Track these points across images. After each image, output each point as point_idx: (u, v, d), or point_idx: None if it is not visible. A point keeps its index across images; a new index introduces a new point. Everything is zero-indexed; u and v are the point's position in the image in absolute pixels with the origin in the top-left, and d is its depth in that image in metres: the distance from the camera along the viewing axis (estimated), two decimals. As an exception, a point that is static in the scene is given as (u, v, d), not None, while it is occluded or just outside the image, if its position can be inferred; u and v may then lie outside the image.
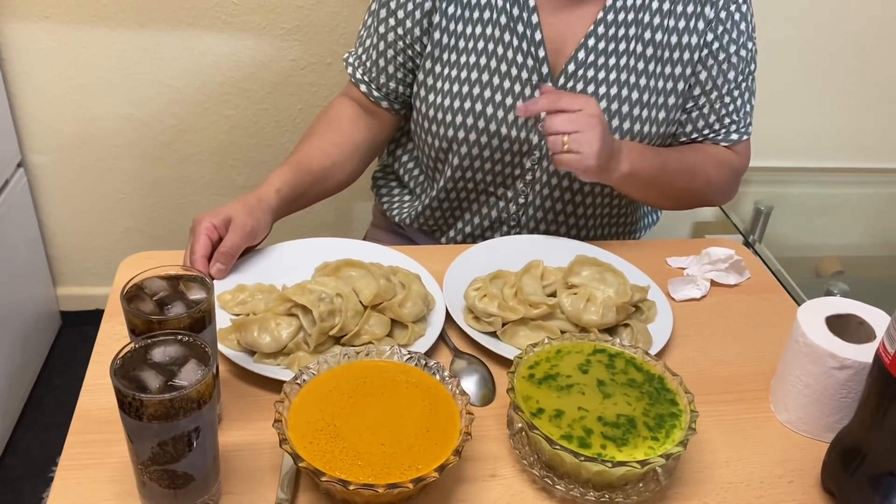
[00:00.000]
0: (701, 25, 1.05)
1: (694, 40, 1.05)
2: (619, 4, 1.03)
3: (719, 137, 1.11)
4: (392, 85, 1.11)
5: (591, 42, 1.04)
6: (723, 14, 1.05)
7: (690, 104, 1.09)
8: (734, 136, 1.11)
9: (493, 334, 0.89)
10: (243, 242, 0.93)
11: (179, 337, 0.64)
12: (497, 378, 0.85)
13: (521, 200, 1.11)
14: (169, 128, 1.79)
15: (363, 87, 1.12)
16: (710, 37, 1.05)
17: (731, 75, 1.07)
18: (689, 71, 1.06)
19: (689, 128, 1.11)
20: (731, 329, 0.96)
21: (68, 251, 1.95)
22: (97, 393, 0.80)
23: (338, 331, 0.83)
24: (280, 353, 0.83)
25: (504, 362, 0.87)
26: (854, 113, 1.99)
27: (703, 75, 1.07)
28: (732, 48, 1.06)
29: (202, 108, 1.78)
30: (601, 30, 1.03)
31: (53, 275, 1.97)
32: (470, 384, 0.83)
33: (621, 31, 1.04)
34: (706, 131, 1.10)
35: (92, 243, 1.94)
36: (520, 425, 0.76)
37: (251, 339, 0.82)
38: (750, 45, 1.08)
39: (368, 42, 1.10)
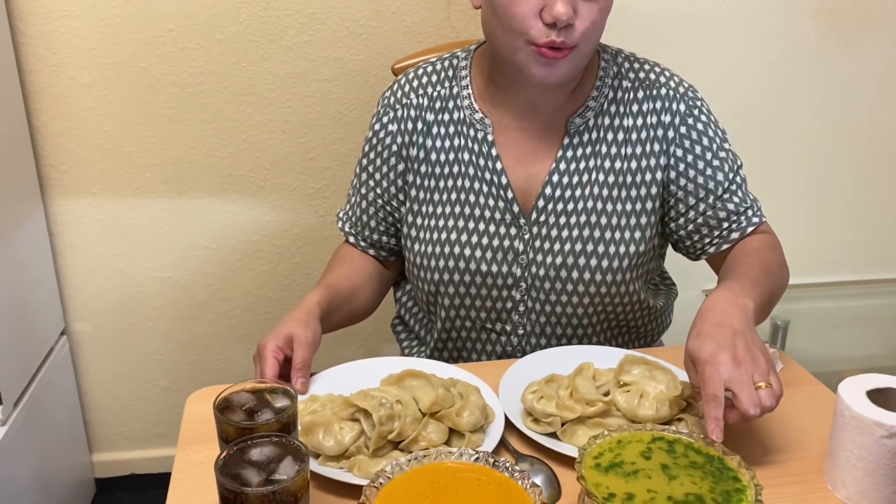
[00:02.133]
0: (657, 147, 1.11)
1: (653, 162, 1.11)
2: (575, 141, 1.11)
3: (744, 225, 1.13)
4: (376, 237, 1.23)
5: (555, 178, 1.11)
6: (683, 129, 1.11)
7: (692, 213, 1.13)
8: (755, 220, 1.14)
9: (553, 435, 0.92)
10: (311, 354, 1.01)
11: (274, 438, 0.69)
12: (561, 477, 0.88)
13: (521, 332, 1.17)
14: (205, 287, 1.89)
15: (351, 240, 1.25)
16: (679, 153, 1.11)
17: (720, 177, 1.12)
18: (655, 190, 1.12)
19: (706, 231, 1.14)
20: (776, 418, 1.00)
21: (105, 416, 1.98)
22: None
23: (396, 435, 0.87)
24: (342, 457, 0.87)
25: (566, 461, 0.90)
26: (859, 227, 2.09)
27: (689, 187, 1.12)
28: (709, 155, 1.11)
29: (236, 266, 1.88)
30: (563, 166, 1.11)
31: (90, 441, 1.99)
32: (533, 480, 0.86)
33: (581, 165, 1.11)
34: (727, 226, 1.13)
35: (128, 406, 1.98)
36: (591, 516, 0.79)
37: (316, 441, 0.87)
38: (726, 146, 1.13)
39: (353, 200, 1.25)
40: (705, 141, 1.12)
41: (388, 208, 1.21)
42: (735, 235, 1.14)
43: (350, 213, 1.25)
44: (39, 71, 1.67)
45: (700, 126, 1.12)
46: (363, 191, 1.22)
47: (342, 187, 1.84)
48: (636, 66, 1.15)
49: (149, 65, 1.69)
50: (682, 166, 1.12)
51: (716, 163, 1.12)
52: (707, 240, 1.16)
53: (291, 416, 0.73)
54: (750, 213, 1.15)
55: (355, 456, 0.87)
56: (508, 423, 0.95)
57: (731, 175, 1.14)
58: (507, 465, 0.81)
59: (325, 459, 0.87)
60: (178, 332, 1.92)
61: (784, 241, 2.05)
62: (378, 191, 1.20)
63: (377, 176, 1.19)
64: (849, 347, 2.11)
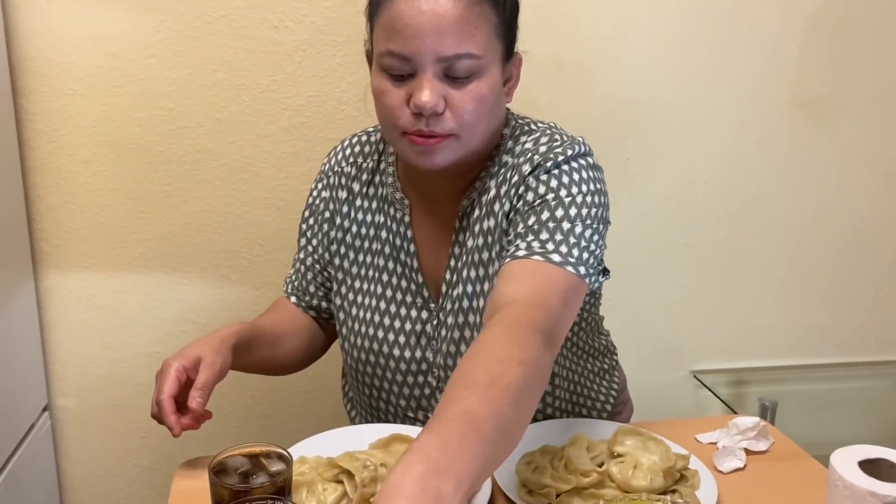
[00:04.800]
0: (507, 206, 1.03)
1: (505, 223, 1.04)
2: (464, 224, 1.09)
3: (505, 254, 0.97)
4: (315, 302, 1.25)
5: (452, 263, 1.10)
6: (522, 189, 1.01)
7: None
8: (521, 253, 0.94)
9: (547, 507, 0.92)
10: (216, 379, 1.02)
11: (269, 501, 0.68)
12: (556, 549, 0.87)
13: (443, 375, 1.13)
14: (192, 363, 1.87)
15: (294, 300, 1.27)
16: (516, 200, 1.02)
17: (545, 216, 0.97)
18: (499, 231, 1.04)
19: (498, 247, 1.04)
20: (770, 492, 1.00)
21: (83, 496, 1.92)
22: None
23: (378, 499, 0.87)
24: None
25: (560, 533, 0.89)
26: (840, 309, 2.12)
27: (519, 226, 0.99)
28: (551, 196, 0.98)
29: (225, 343, 1.87)
30: (456, 250, 1.09)
31: (67, 525, 1.93)
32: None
33: (470, 243, 1.07)
34: (509, 245, 0.99)
35: (107, 485, 1.93)
36: (588, 587, 0.78)
37: (299, 502, 0.86)
38: (572, 211, 0.97)
39: (296, 265, 1.27)
40: (542, 189, 0.99)
41: (325, 274, 1.23)
42: (507, 258, 0.96)
43: (294, 276, 1.28)
44: (39, 147, 1.70)
45: (544, 177, 0.99)
46: (302, 255, 1.25)
47: (333, 264, 1.86)
48: (523, 138, 1.06)
49: (147, 142, 1.73)
50: (513, 215, 1.02)
51: (550, 200, 0.98)
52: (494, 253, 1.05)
53: (286, 479, 0.73)
54: (522, 244, 0.96)
55: None
56: (502, 496, 0.94)
57: (559, 215, 0.97)
58: (503, 533, 0.80)
59: None
60: (162, 408, 1.89)
61: (767, 322, 2.10)
62: (315, 256, 1.22)
63: (314, 241, 1.22)
64: (836, 429, 2.11)
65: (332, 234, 1.19)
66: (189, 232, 1.79)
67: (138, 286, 1.81)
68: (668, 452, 0.94)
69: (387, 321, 1.13)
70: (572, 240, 0.95)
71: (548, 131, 1.06)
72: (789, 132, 1.97)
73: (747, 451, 1.08)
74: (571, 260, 0.93)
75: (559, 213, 0.97)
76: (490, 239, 1.05)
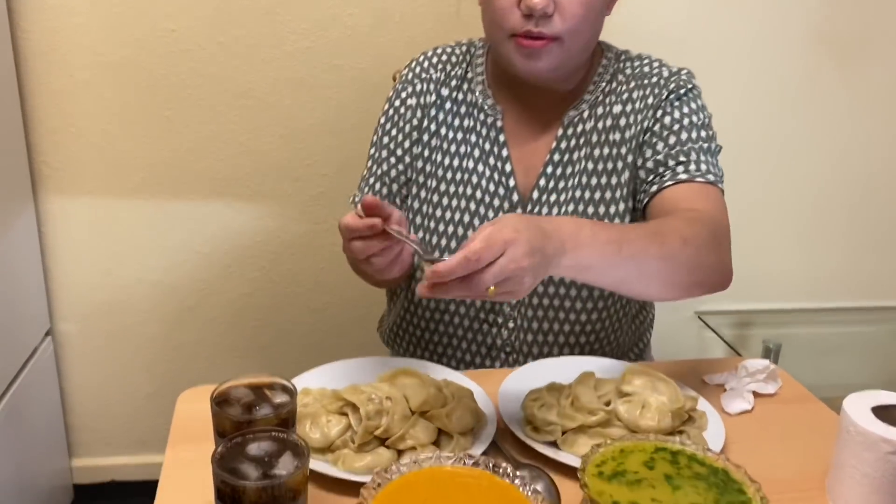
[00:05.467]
0: (637, 129, 1.11)
1: (634, 144, 1.11)
2: (569, 132, 1.13)
3: (665, 178, 1.07)
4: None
5: (549, 169, 1.13)
6: (659, 112, 1.11)
7: (647, 162, 1.10)
8: (682, 176, 1.06)
9: (553, 444, 0.91)
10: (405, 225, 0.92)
11: (273, 433, 0.67)
12: (559, 486, 0.86)
13: (511, 325, 1.16)
14: (194, 292, 1.86)
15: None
16: (652, 125, 1.10)
17: (684, 136, 1.09)
18: (631, 158, 1.11)
19: (646, 176, 1.10)
20: (777, 435, 0.99)
21: (87, 420, 1.94)
22: (170, 511, 0.80)
23: (383, 432, 0.86)
24: (327, 450, 0.86)
25: (565, 471, 0.88)
26: (853, 253, 2.10)
27: (659, 146, 1.09)
28: (676, 126, 1.09)
29: (227, 272, 1.86)
30: (556, 157, 1.13)
31: (70, 446, 1.95)
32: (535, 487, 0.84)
33: (575, 154, 1.13)
34: (650, 177, 1.09)
35: (111, 411, 1.94)
36: (592, 525, 0.77)
37: (303, 433, 0.86)
38: (702, 132, 1.10)
39: (371, 179, 1.21)
40: (676, 114, 1.11)
41: (405, 183, 1.19)
42: (668, 181, 1.07)
43: (367, 189, 1.21)
44: (38, 67, 1.65)
45: (677, 104, 1.12)
46: (380, 171, 1.19)
47: (339, 195, 1.83)
48: (636, 62, 1.17)
49: (149, 64, 1.68)
50: (647, 134, 1.11)
51: (686, 123, 1.10)
52: (645, 185, 1.10)
53: (290, 412, 0.72)
54: (681, 168, 1.07)
55: (340, 450, 0.86)
56: (506, 431, 0.93)
57: (695, 135, 1.09)
58: (508, 471, 0.79)
59: (310, 451, 0.86)
60: (165, 336, 1.89)
61: (779, 265, 2.07)
62: (400, 167, 1.18)
63: (398, 152, 1.18)
64: (839, 374, 2.10)
65: (420, 138, 1.17)
66: (191, 159, 1.76)
67: (140, 213, 1.78)
68: (677, 393, 0.92)
69: (476, 222, 1.13)
70: (713, 160, 1.10)
71: (655, 59, 1.17)
72: (810, 70, 1.91)
73: (755, 394, 1.06)
74: (719, 181, 1.09)
75: (703, 134, 1.10)
76: (607, 151, 1.12)
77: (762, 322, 2.13)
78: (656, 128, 1.11)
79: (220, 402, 0.72)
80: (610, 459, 0.81)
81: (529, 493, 0.76)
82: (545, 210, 1.14)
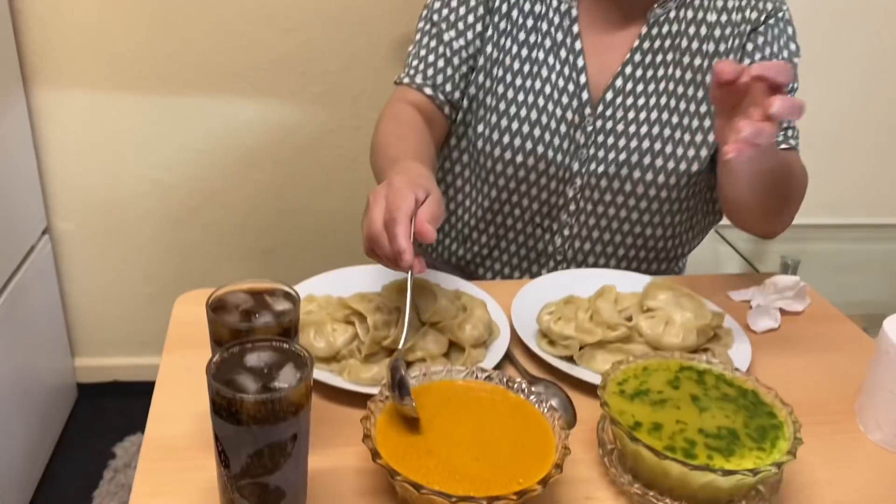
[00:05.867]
0: (735, 43, 1.04)
1: (731, 59, 1.04)
2: (654, 32, 1.04)
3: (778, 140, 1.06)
4: (454, 94, 1.09)
5: (629, 70, 1.05)
6: (762, 28, 1.05)
7: None
8: (792, 142, 1.07)
9: (569, 359, 0.86)
10: (440, 221, 0.78)
11: (274, 342, 0.62)
12: (576, 402, 0.82)
13: (567, 232, 1.10)
14: (195, 192, 1.80)
15: (428, 91, 1.08)
16: (750, 47, 1.04)
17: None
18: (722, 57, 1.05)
19: None
20: (806, 355, 0.94)
21: (88, 320, 1.91)
22: (164, 422, 0.76)
23: (391, 342, 0.81)
24: (332, 360, 0.82)
25: (581, 387, 0.84)
26: (875, 169, 2.02)
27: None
28: (785, 53, 1.05)
29: (229, 173, 1.79)
30: (637, 57, 1.05)
31: (72, 345, 1.93)
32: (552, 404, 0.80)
33: (658, 58, 1.05)
34: None
35: (112, 311, 1.91)
36: (611, 447, 0.73)
37: (307, 342, 0.81)
38: (795, 60, 1.07)
39: (432, 55, 1.08)
40: (776, 46, 1.05)
41: (467, 56, 1.07)
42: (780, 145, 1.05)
43: (422, 65, 1.09)
44: (23, -55, 1.54)
45: (778, 29, 1.05)
46: (441, 46, 1.08)
47: (344, 93, 1.74)
48: None
49: (142, -53, 1.56)
50: (749, 63, 1.04)
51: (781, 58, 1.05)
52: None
53: (293, 320, 0.66)
54: (789, 132, 1.08)
55: (346, 360, 0.82)
56: (520, 345, 0.88)
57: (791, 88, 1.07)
58: (523, 386, 0.74)
59: (315, 361, 0.81)
60: (166, 237, 1.84)
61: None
62: (462, 42, 1.07)
63: (461, 26, 1.07)
64: (858, 292, 2.06)
65: (487, 17, 1.07)
66: (190, 51, 1.66)
67: (137, 108, 1.70)
68: (703, 309, 0.87)
69: (544, 119, 1.05)
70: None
71: None
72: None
73: (782, 312, 1.01)
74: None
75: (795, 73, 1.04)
76: (699, 62, 1.05)
77: (781, 237, 2.06)
78: (757, 57, 1.03)
79: (217, 308, 0.67)
80: (632, 377, 0.76)
81: (545, 410, 0.72)
82: (618, 114, 1.05)
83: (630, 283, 0.96)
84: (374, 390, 0.72)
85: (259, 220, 1.85)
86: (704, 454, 0.67)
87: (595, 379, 0.82)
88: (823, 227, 2.08)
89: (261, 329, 0.64)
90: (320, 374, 0.80)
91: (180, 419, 0.75)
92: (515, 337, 0.89)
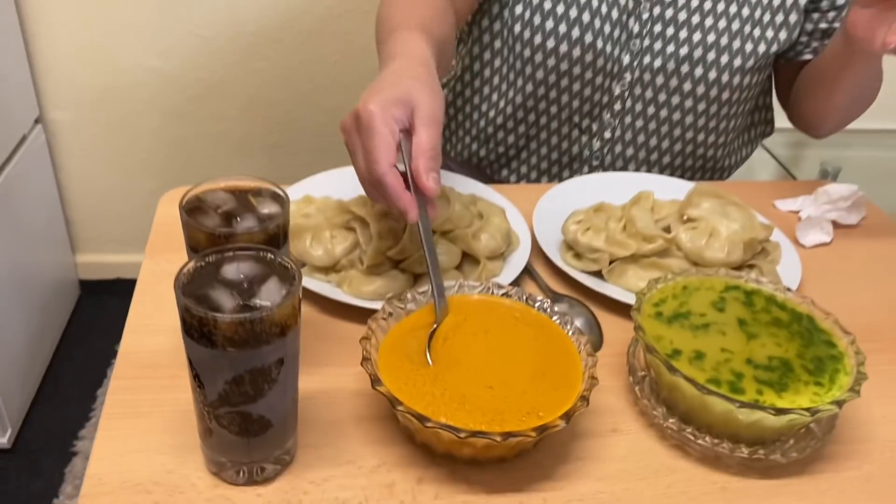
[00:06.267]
0: None
1: None
2: None
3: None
4: None
5: None
6: None
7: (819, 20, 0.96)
8: None
9: (597, 274, 0.77)
10: (440, 134, 0.63)
11: (258, 252, 0.53)
12: (603, 323, 0.73)
13: (608, 135, 0.99)
14: (196, 81, 1.68)
15: None
16: None
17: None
18: None
19: (810, 38, 0.97)
20: (861, 273, 0.84)
21: (88, 215, 1.84)
22: (142, 334, 0.68)
23: (397, 253, 0.72)
24: (331, 270, 0.74)
25: (610, 305, 0.75)
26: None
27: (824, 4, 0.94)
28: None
29: (232, 61, 1.66)
30: None
31: (72, 241, 1.86)
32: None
33: None
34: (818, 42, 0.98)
35: (113, 207, 1.83)
36: (643, 374, 0.65)
37: (302, 248, 0.73)
38: None
39: None
40: None
41: None
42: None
43: None
44: None
45: None
46: None
47: (356, -26, 1.59)
48: None
49: None
50: None
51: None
52: (809, 46, 0.97)
53: (281, 226, 0.57)
54: None
55: (347, 270, 0.73)
56: (543, 258, 0.79)
57: None
58: (546, 304, 0.65)
59: (311, 270, 0.74)
60: (166, 129, 1.73)
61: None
62: None
63: None
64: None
65: None
66: (185, -78, 1.51)
67: (131, -13, 1.56)
68: (752, 221, 0.77)
69: (594, 3, 0.91)
70: None
71: None
72: None
73: (834, 224, 0.91)
74: None
75: None
76: None
77: (819, 142, 1.92)
78: None
79: (192, 209, 0.57)
80: (670, 297, 0.67)
81: (570, 332, 0.63)
82: (679, 0, 0.92)
83: (670, 189, 0.86)
84: (377, 305, 0.64)
85: (263, 114, 1.73)
86: (753, 389, 0.58)
87: (626, 297, 0.73)
88: (865, 133, 1.93)
89: (243, 235, 0.55)
90: (317, 285, 0.72)
91: (160, 332, 0.67)
92: (537, 249, 0.80)
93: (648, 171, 1.01)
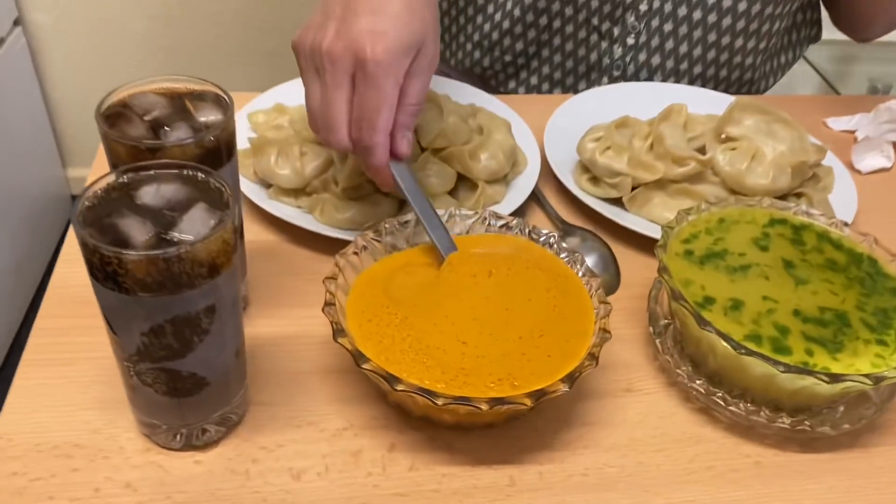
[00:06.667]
0: None
1: None
2: None
3: None
4: None
5: None
6: None
7: None
8: None
9: (617, 202, 0.66)
10: (429, 86, 0.55)
11: (184, 170, 0.42)
12: (621, 261, 0.62)
13: (631, 41, 0.85)
14: (186, -19, 1.54)
15: None
16: None
17: None
18: None
19: None
20: (926, 204, 0.72)
21: (77, 128, 1.73)
22: (77, 265, 0.58)
23: None
24: (302, 192, 0.63)
25: (631, 239, 0.64)
26: None
27: None
28: None
29: (224, -42, 1.52)
30: None
31: (62, 154, 1.76)
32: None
33: None
34: None
35: (103, 119, 1.72)
36: (666, 322, 0.54)
37: (266, 166, 0.62)
38: None
39: None
40: None
41: None
42: None
43: None
44: None
45: None
46: None
47: None
48: None
49: None
50: None
51: None
52: None
53: (223, 138, 0.46)
54: None
55: (319, 193, 0.62)
56: (554, 182, 0.68)
57: None
58: (552, 238, 0.54)
59: (278, 192, 0.63)
60: (156, 35, 1.60)
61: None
62: None
63: None
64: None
65: None
66: None
67: None
68: (803, 141, 0.64)
69: None
70: None
71: None
72: None
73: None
74: None
75: None
76: None
77: (868, 56, 1.76)
78: None
79: (113, 115, 0.46)
80: (703, 233, 0.55)
81: (582, 273, 0.52)
82: None
83: (705, 102, 0.73)
84: (352, 237, 0.53)
85: (260, 17, 1.60)
86: (801, 348, 0.48)
87: (649, 230, 0.62)
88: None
89: (173, 149, 0.44)
90: (283, 210, 0.61)
91: (98, 262, 0.58)
92: (547, 171, 0.68)
93: (677, 82, 0.87)
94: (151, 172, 0.42)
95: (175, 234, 0.39)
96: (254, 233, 0.62)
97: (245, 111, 0.70)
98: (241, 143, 0.65)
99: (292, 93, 0.71)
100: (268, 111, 0.68)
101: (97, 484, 0.45)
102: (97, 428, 0.47)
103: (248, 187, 0.62)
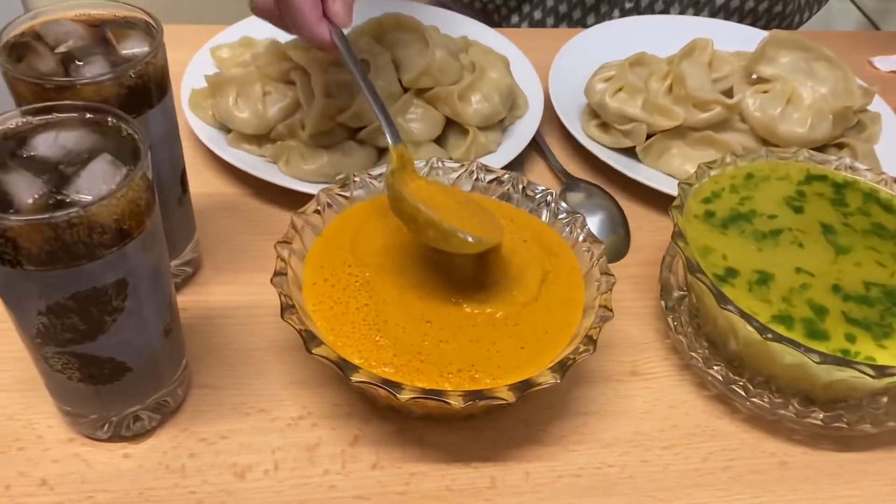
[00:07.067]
0: None
1: None
2: None
3: None
4: None
5: None
6: None
7: None
8: None
9: (629, 152, 0.57)
10: None
11: (86, 114, 0.34)
12: (632, 220, 0.54)
13: None
14: None
15: None
16: None
17: None
18: None
19: None
20: None
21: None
22: None
23: (352, 117, 0.53)
24: (266, 139, 0.55)
25: (643, 195, 0.56)
26: None
27: None
28: None
29: None
30: None
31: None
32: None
33: None
34: None
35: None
36: (680, 294, 0.46)
37: (224, 108, 0.55)
38: None
39: None
40: None
41: None
42: None
43: None
44: None
45: None
46: None
47: None
48: None
49: None
50: None
51: None
52: None
53: (151, 75, 0.38)
54: None
55: (285, 141, 0.54)
56: (558, 128, 0.59)
57: None
58: (549, 196, 0.47)
59: (238, 139, 0.55)
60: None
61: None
62: None
63: None
64: None
65: None
66: None
67: None
68: (848, 82, 0.56)
69: None
70: None
71: None
72: None
73: (952, 90, 0.69)
74: None
75: None
76: None
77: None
78: None
79: (19, 46, 0.39)
80: (728, 190, 0.47)
81: (582, 237, 0.45)
82: None
83: (733, 37, 0.64)
84: (316, 190, 0.46)
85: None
86: (841, 332, 0.40)
87: (665, 186, 0.54)
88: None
89: (85, 89, 0.36)
90: (245, 159, 0.54)
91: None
92: (551, 116, 0.60)
93: (696, 14, 0.77)
94: (50, 116, 0.34)
95: (71, 194, 0.31)
96: (210, 185, 0.55)
97: (209, 46, 0.62)
98: (202, 81, 0.57)
99: (263, 25, 0.63)
100: (233, 45, 0.61)
101: (8, 480, 0.39)
102: (13, 413, 0.41)
103: (204, 132, 0.55)
